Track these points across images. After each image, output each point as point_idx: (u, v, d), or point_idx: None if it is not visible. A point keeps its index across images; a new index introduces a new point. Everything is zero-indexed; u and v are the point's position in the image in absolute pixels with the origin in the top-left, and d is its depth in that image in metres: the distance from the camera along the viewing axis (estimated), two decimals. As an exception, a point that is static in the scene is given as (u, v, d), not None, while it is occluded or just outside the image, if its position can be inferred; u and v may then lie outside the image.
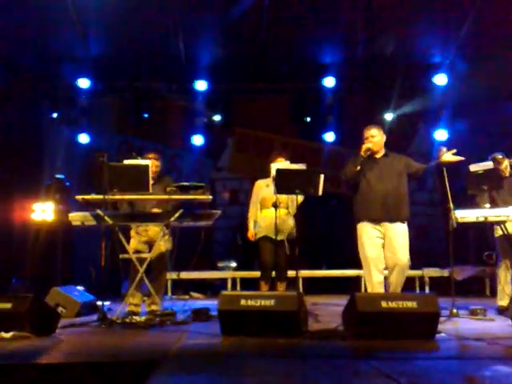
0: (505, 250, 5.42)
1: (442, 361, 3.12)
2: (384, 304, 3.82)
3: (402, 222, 4.99)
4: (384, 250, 4.98)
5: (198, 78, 8.58)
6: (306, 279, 7.81)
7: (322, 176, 5.17)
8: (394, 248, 4.91)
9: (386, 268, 5.06)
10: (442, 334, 3.91)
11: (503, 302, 5.36)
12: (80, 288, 5.79)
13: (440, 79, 8.68)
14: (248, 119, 9.34)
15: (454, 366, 2.95)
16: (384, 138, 5.19)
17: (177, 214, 4.91)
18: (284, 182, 5.11)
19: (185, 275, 7.37)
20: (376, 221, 4.96)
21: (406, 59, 8.45)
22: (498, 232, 5.42)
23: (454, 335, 3.97)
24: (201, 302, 7.03)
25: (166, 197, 4.97)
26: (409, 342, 3.61)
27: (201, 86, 8.68)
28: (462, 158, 4.95)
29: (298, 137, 9.38)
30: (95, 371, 2.88)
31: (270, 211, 5.57)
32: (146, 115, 8.71)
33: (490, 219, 5.12)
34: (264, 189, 5.78)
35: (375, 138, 5.09)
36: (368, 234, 4.99)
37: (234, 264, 8.22)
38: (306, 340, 3.73)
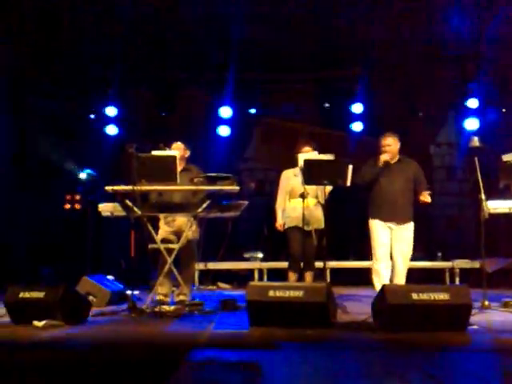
0: (538, 241, 5.32)
1: (477, 354, 3.07)
2: (415, 296, 3.77)
3: (409, 221, 5.47)
4: (392, 243, 5.46)
5: (222, 68, 8.56)
6: (333, 270, 7.76)
7: (351, 167, 5.13)
8: (401, 243, 5.42)
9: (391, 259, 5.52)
10: (475, 327, 3.85)
11: (537, 294, 5.25)
12: (110, 277, 5.85)
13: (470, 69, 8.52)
14: (275, 109, 9.27)
15: (489, 360, 2.90)
16: (399, 144, 5.56)
17: (204, 205, 4.92)
18: (312, 173, 5.06)
19: (212, 266, 7.43)
20: (385, 219, 5.45)
21: (435, 48, 8.31)
22: (531, 223, 5.31)
23: (487, 328, 3.90)
24: (228, 292, 7.05)
25: (193, 187, 4.98)
26: (440, 335, 3.57)
27: (227, 76, 8.65)
28: (429, 201, 5.40)
29: (324, 126, 9.26)
30: (126, 360, 2.90)
31: (299, 201, 5.51)
32: (171, 106, 8.78)
33: (524, 210, 5.03)
34: (292, 178, 5.74)
35: (391, 147, 5.49)
36: (377, 230, 5.47)
37: (260, 255, 8.20)
38: (335, 331, 3.71)
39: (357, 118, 9.07)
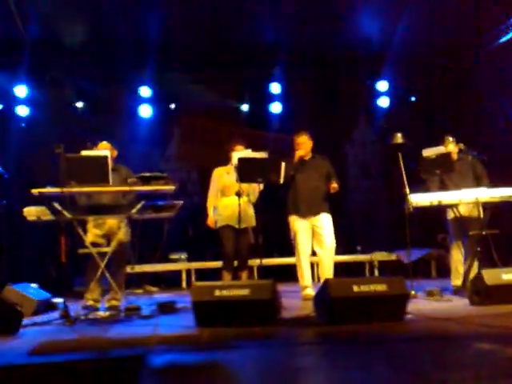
0: (457, 231, 5.64)
1: (425, 342, 3.21)
2: (356, 288, 3.89)
3: (325, 212, 5.70)
4: (313, 238, 5.68)
5: (142, 65, 8.41)
6: (258, 267, 7.80)
7: (284, 164, 5.21)
8: (321, 235, 5.62)
9: (314, 254, 5.76)
10: (409, 316, 4.03)
11: (457, 281, 5.57)
12: (34, 285, 5.54)
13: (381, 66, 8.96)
14: (194, 108, 9.19)
15: (438, 346, 3.04)
16: (311, 142, 5.85)
17: (138, 206, 4.79)
18: (246, 171, 5.08)
19: (138, 268, 7.23)
20: (303, 214, 5.67)
21: (349, 45, 8.63)
22: (451, 215, 5.63)
23: (421, 316, 4.09)
24: (157, 295, 6.89)
25: (127, 188, 4.83)
26: (382, 325, 3.70)
27: (146, 74, 8.52)
28: (337, 187, 5.57)
29: (244, 125, 9.32)
30: (77, 372, 2.76)
31: (231, 199, 5.54)
32: (88, 104, 8.53)
33: (444, 203, 5.31)
34: (224, 176, 5.73)
35: (305, 144, 5.79)
36: (297, 226, 5.67)
37: (185, 255, 8.10)
38: (282, 328, 3.75)
39: (275, 116, 9.27)
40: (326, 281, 4.01)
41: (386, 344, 3.10)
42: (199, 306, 3.84)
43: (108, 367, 2.61)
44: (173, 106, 8.90)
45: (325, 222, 5.65)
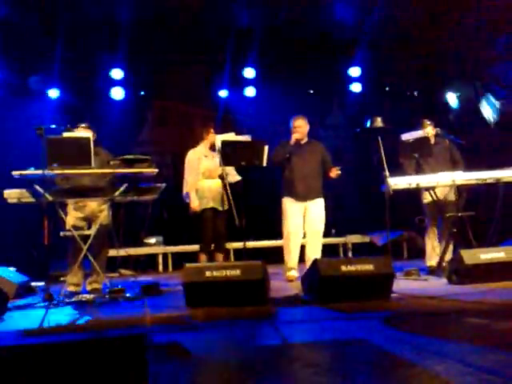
0: (433, 214, 5.80)
1: (416, 317, 3.30)
2: (344, 268, 3.98)
3: (320, 196, 5.78)
4: (304, 221, 5.73)
5: (114, 48, 8.25)
6: (236, 250, 7.83)
7: (267, 147, 5.22)
8: (313, 220, 5.73)
9: (304, 236, 5.81)
10: (395, 294, 4.13)
11: (433, 262, 5.73)
12: (12, 269, 5.43)
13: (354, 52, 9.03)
14: (167, 91, 9.08)
15: (430, 321, 3.14)
16: (308, 126, 5.88)
17: (121, 189, 4.74)
18: (230, 154, 5.07)
19: (114, 252, 7.14)
20: (298, 197, 5.70)
21: (322, 32, 8.66)
22: (427, 198, 5.75)
23: (406, 294, 4.18)
24: (136, 279, 6.82)
25: (110, 170, 4.77)
26: (371, 303, 3.78)
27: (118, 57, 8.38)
28: (339, 174, 5.72)
29: (217, 110, 9.27)
30: (79, 350, 2.73)
31: (214, 182, 5.53)
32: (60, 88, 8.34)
33: (422, 185, 5.44)
34: (204, 159, 5.70)
35: (302, 128, 5.81)
36: (291, 208, 5.71)
37: (160, 239, 8.06)
38: (274, 307, 3.80)
39: (249, 101, 9.25)
40: (315, 261, 4.07)
41: (379, 319, 3.17)
42: (190, 286, 3.85)
43: (109, 347, 2.58)
44: (144, 92, 8.76)
45: (319, 206, 5.75)
